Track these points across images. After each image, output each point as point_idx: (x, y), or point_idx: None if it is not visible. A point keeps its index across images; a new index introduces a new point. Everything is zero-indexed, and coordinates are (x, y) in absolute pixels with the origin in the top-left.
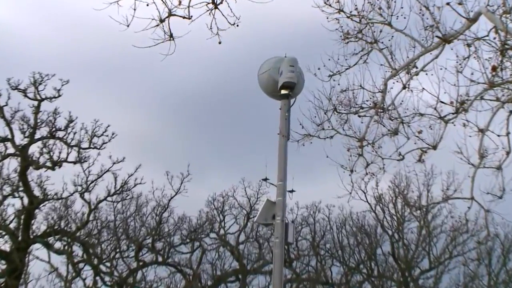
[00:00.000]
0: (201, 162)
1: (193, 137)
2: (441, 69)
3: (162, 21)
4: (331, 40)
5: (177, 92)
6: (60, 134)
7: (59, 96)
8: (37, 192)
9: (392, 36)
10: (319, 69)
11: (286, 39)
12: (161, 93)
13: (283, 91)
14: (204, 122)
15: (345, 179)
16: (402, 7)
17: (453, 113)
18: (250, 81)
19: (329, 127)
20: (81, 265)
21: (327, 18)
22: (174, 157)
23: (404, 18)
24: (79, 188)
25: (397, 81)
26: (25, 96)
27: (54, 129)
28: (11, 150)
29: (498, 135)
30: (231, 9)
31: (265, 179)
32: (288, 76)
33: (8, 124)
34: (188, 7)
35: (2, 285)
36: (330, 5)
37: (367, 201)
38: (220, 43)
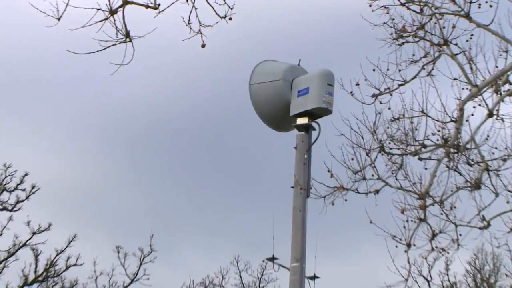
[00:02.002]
0: (172, 231)
1: (158, 191)
2: None
3: (113, 12)
4: (377, 39)
5: (134, 119)
6: None
7: None
8: None
9: (472, 35)
10: (357, 84)
11: (299, 34)
12: (109, 121)
13: (300, 120)
14: (175, 166)
15: (399, 257)
16: None
17: None
18: (246, 100)
19: (373, 175)
20: None
21: (370, 6)
22: (128, 223)
23: (491, 6)
24: None
25: (479, 105)
26: None
27: None
28: None
29: None
30: None
31: (272, 259)
32: (325, 100)
33: None
34: None
35: None
36: None
37: None
38: (203, 46)
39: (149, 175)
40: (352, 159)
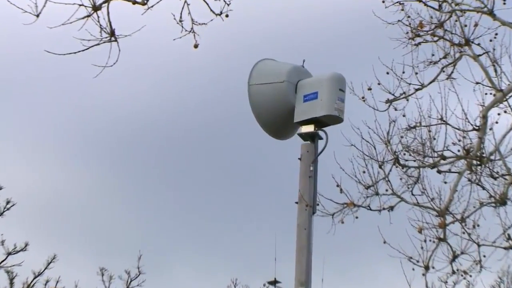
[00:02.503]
0: (162, 251)
1: (147, 206)
2: None
3: (96, 8)
4: (391, 39)
5: (121, 126)
6: None
7: None
8: None
9: (496, 34)
10: (369, 89)
11: (303, 32)
12: (93, 128)
13: (305, 128)
14: (167, 179)
15: (416, 281)
16: None
17: None
18: (244, 103)
19: (387, 190)
20: None
21: (384, 1)
22: (114, 242)
23: None
24: None
25: (505, 112)
26: None
27: None
28: None
29: None
30: None
31: (274, 282)
32: (337, 107)
33: None
34: None
35: None
36: None
37: None
38: (196, 46)
39: (137, 188)
40: (364, 172)
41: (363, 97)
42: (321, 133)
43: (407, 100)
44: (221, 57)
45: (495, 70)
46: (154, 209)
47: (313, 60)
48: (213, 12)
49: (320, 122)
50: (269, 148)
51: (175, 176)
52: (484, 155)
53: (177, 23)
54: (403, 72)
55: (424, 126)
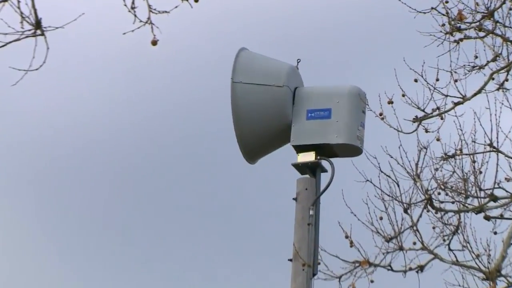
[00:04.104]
0: None
1: (95, 263)
2: None
3: None
4: (421, 34)
5: (52, 147)
6: None
7: None
8: None
9: None
10: (390, 102)
11: (295, 20)
12: (12, 151)
13: (304, 156)
14: (116, 221)
15: None
16: None
17: None
18: (219, 113)
19: (415, 243)
20: None
21: None
22: None
23: None
24: None
25: None
26: None
27: None
28: None
29: None
30: None
31: None
32: (359, 135)
33: None
34: None
35: None
36: None
37: None
38: (155, 43)
39: (78, 238)
40: (381, 218)
41: (381, 114)
42: (324, 163)
43: (443, 118)
44: (188, 55)
45: None
46: (100, 264)
47: (308, 59)
48: None
49: (327, 150)
50: (251, 183)
51: (129, 218)
52: None
53: (129, 11)
54: (437, 80)
55: (466, 154)
